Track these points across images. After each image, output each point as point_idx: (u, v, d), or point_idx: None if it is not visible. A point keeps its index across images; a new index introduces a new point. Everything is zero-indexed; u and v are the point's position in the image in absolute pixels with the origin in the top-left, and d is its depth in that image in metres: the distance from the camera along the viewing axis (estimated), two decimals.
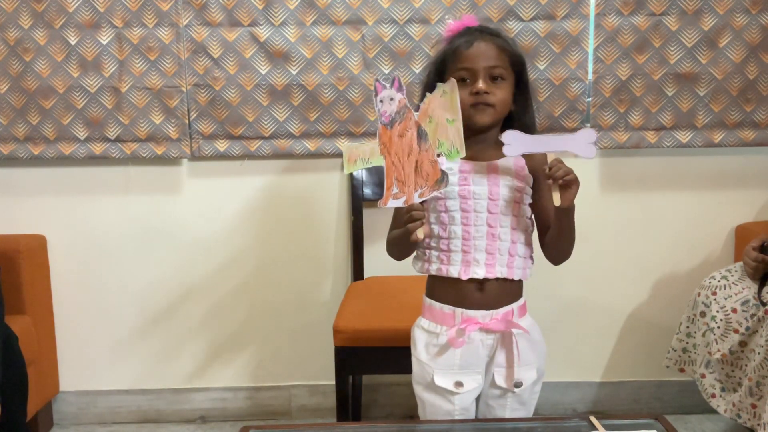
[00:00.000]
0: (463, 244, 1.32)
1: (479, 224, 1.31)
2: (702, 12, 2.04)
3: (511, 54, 1.32)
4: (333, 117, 2.11)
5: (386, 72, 2.08)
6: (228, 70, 2.08)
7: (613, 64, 2.08)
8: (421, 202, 1.26)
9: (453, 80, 1.25)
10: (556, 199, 1.26)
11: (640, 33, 2.06)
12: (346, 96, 2.09)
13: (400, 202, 1.26)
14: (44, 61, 2.07)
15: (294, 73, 2.08)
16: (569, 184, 1.25)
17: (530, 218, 1.37)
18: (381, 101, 1.26)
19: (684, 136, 2.12)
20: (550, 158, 1.27)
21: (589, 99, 2.12)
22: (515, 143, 1.24)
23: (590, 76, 2.11)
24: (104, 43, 2.07)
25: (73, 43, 2.06)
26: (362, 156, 1.28)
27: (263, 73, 2.08)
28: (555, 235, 1.36)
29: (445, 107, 1.24)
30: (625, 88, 2.09)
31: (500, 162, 1.32)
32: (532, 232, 1.38)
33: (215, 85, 2.09)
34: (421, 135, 1.25)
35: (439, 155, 1.25)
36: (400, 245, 1.35)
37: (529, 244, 1.36)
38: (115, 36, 2.06)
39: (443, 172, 1.25)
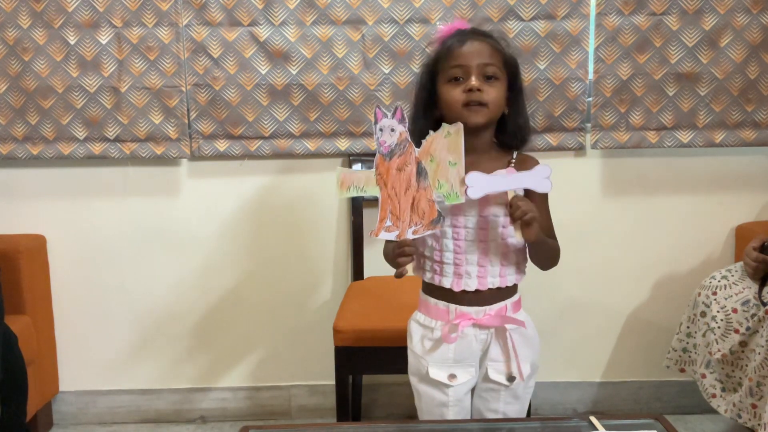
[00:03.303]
0: (455, 258, 1.33)
1: (470, 239, 1.32)
2: (703, 12, 2.04)
3: (505, 54, 1.32)
4: (333, 117, 2.10)
5: (386, 71, 2.08)
6: (228, 70, 2.08)
7: (614, 64, 2.07)
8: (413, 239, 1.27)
9: (459, 124, 1.24)
10: (518, 236, 1.27)
11: (641, 32, 2.06)
12: (346, 96, 2.09)
13: (392, 236, 1.27)
14: (43, 61, 2.07)
15: (294, 72, 2.08)
16: (529, 222, 1.26)
17: None
18: (381, 130, 1.25)
19: (685, 136, 2.12)
20: (510, 196, 1.27)
21: (590, 99, 2.12)
22: (477, 185, 1.26)
23: (591, 76, 2.11)
24: (103, 42, 2.06)
25: (72, 42, 2.06)
26: (356, 183, 1.27)
27: (263, 72, 2.08)
28: (532, 258, 1.38)
29: (448, 148, 1.24)
30: (625, 87, 2.09)
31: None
32: None
33: (215, 84, 2.09)
34: (421, 172, 1.25)
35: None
36: (392, 265, 1.35)
37: (522, 249, 1.37)
38: (114, 36, 2.06)
39: (440, 213, 1.26)
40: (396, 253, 1.27)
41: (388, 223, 1.27)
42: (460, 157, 1.24)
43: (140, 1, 2.04)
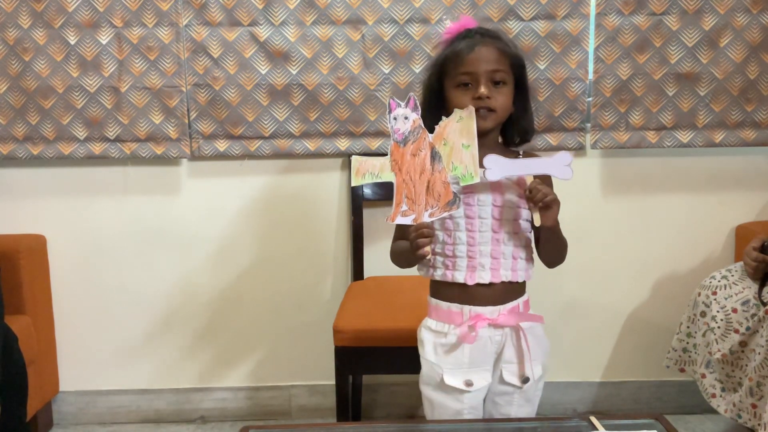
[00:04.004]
0: (468, 250, 1.33)
1: (484, 230, 1.32)
2: (703, 12, 2.04)
3: (512, 57, 1.33)
4: (333, 117, 2.11)
5: (386, 71, 2.08)
6: (228, 70, 2.08)
7: (614, 64, 2.07)
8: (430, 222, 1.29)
9: (471, 108, 1.27)
10: (537, 219, 1.28)
11: (641, 32, 2.06)
12: (346, 96, 2.09)
13: (409, 220, 1.28)
14: (43, 61, 2.07)
15: (294, 72, 2.08)
16: (549, 205, 1.27)
17: (529, 221, 1.37)
18: (395, 119, 1.29)
19: (685, 136, 2.12)
20: (529, 180, 1.29)
21: (590, 99, 2.12)
22: (496, 167, 1.27)
23: (591, 76, 2.11)
24: (104, 42, 2.06)
25: (72, 42, 2.06)
26: (371, 170, 1.30)
27: (263, 72, 2.08)
28: (543, 248, 1.38)
29: (460, 132, 1.26)
30: (625, 87, 2.09)
31: None
32: (531, 233, 1.39)
33: (215, 84, 2.09)
34: (435, 156, 1.27)
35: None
36: (407, 258, 1.37)
37: (529, 246, 1.38)
38: (114, 36, 2.06)
39: (455, 195, 1.27)
40: (415, 235, 1.28)
41: (404, 207, 1.28)
42: (473, 140, 1.26)
43: (140, 1, 2.04)
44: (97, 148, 2.12)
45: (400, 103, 1.29)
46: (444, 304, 1.36)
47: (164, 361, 2.27)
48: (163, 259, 2.22)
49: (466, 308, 1.34)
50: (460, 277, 1.33)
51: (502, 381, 1.37)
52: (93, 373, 2.27)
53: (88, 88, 2.09)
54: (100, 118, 2.10)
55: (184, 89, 2.09)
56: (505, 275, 1.34)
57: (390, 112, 1.29)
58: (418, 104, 1.28)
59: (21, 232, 2.17)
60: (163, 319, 2.25)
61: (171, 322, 2.25)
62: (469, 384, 1.35)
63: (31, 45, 2.06)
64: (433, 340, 1.38)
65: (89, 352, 2.26)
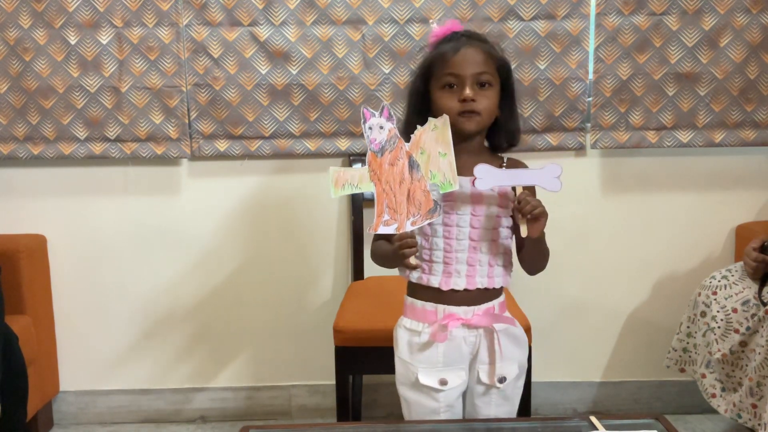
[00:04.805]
0: (444, 256, 1.33)
1: (461, 238, 1.32)
2: (702, 12, 2.04)
3: (498, 60, 1.33)
4: (333, 117, 2.11)
5: (386, 71, 2.08)
6: (228, 70, 2.08)
7: (614, 64, 2.08)
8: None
9: (445, 116, 1.26)
10: (524, 230, 1.28)
11: (641, 32, 2.06)
12: (346, 96, 2.09)
13: (391, 229, 1.28)
14: (44, 61, 2.07)
15: (294, 72, 2.08)
16: (537, 217, 1.27)
17: (510, 228, 1.37)
18: (370, 128, 1.28)
19: (685, 136, 2.12)
20: (518, 191, 1.29)
21: (590, 99, 2.12)
22: (486, 177, 1.27)
23: (591, 76, 2.11)
24: (104, 42, 2.06)
25: (72, 42, 2.06)
26: (350, 181, 1.30)
27: (263, 72, 2.08)
28: (527, 257, 1.38)
29: (436, 141, 1.26)
30: (625, 87, 2.09)
31: None
32: (512, 239, 1.39)
33: (215, 84, 2.09)
34: (413, 165, 1.27)
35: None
36: (387, 262, 1.37)
37: (509, 253, 1.38)
38: (115, 36, 2.06)
39: (436, 202, 1.27)
40: (399, 245, 1.28)
41: (386, 217, 1.28)
42: (449, 147, 1.26)
43: (141, 1, 2.04)
44: (97, 148, 2.12)
45: (374, 112, 1.28)
46: (419, 303, 1.37)
47: (164, 361, 2.27)
48: (163, 259, 2.22)
49: (441, 307, 1.34)
50: (435, 281, 1.33)
51: (479, 381, 1.37)
52: (93, 373, 2.27)
53: (88, 88, 2.09)
54: (101, 118, 2.10)
55: (184, 89, 2.09)
56: (480, 282, 1.34)
57: (365, 122, 1.28)
58: (392, 114, 1.28)
59: (21, 232, 2.17)
60: (163, 318, 2.25)
61: (171, 321, 2.25)
62: (443, 383, 1.35)
63: (32, 45, 2.06)
64: (407, 338, 1.38)
65: (89, 352, 2.26)
